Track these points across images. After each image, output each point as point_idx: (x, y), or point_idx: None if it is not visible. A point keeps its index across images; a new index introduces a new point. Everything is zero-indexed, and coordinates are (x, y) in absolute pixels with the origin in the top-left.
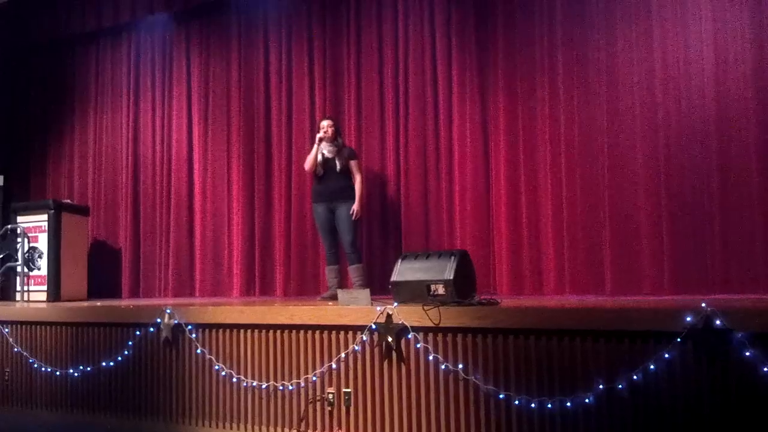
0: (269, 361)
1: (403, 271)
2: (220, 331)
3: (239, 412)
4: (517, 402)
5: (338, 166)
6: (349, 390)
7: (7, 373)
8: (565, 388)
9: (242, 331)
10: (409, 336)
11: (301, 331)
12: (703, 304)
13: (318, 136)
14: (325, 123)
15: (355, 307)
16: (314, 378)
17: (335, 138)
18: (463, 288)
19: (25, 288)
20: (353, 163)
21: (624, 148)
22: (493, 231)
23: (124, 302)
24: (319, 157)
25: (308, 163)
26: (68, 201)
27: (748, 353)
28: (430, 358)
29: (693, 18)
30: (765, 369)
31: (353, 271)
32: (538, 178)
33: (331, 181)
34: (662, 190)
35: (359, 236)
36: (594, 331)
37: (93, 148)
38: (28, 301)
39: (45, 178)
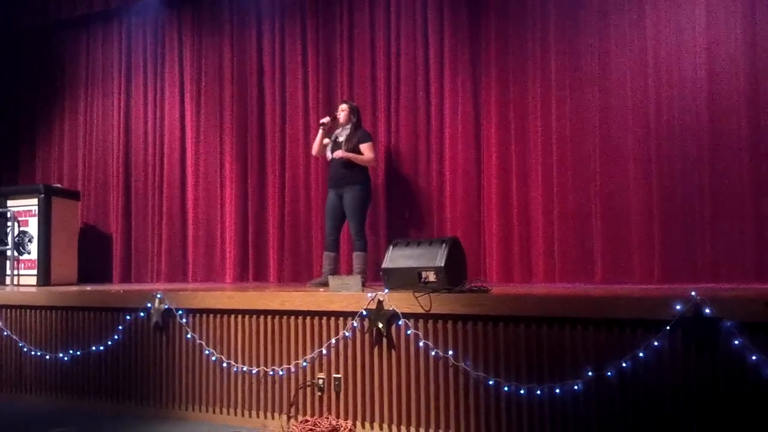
0: (260, 347)
1: (395, 258)
2: (211, 316)
3: (229, 397)
4: (506, 388)
5: (344, 150)
6: (339, 376)
7: None
8: (555, 375)
9: (233, 316)
10: (400, 322)
11: (292, 317)
12: (693, 293)
13: (321, 121)
14: (340, 106)
15: (346, 293)
16: (305, 363)
17: (348, 121)
18: (453, 275)
19: (15, 272)
20: (364, 146)
21: (615, 137)
22: (484, 218)
23: (115, 287)
24: (327, 141)
25: (313, 149)
26: (58, 185)
27: (736, 342)
28: (421, 344)
29: (686, 4)
30: (753, 357)
31: (355, 258)
32: (529, 165)
33: (337, 167)
34: (653, 180)
35: (366, 224)
36: (583, 319)
37: (84, 133)
38: (18, 285)
39: (34, 163)
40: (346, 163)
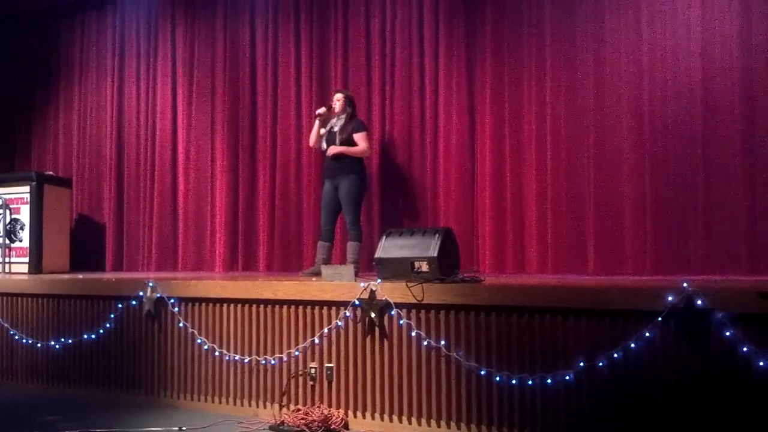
0: (252, 336)
1: (388, 248)
2: (203, 305)
3: (221, 385)
4: (498, 378)
5: (337, 141)
6: (331, 365)
7: None
8: (546, 365)
9: (225, 305)
10: (392, 312)
11: (285, 306)
12: (685, 284)
13: (317, 111)
14: (335, 96)
15: (339, 282)
16: (297, 353)
17: (343, 111)
18: (446, 265)
19: (7, 260)
20: (358, 136)
21: (609, 129)
22: (477, 209)
23: (107, 275)
24: (323, 131)
25: (311, 140)
26: (50, 173)
27: (728, 333)
28: (413, 334)
29: (682, 1)
30: (744, 349)
31: (349, 248)
32: (523, 156)
33: (331, 157)
34: (646, 172)
35: (360, 214)
36: (576, 310)
37: (77, 120)
38: (10, 273)
39: (30, 151)
40: (341, 154)
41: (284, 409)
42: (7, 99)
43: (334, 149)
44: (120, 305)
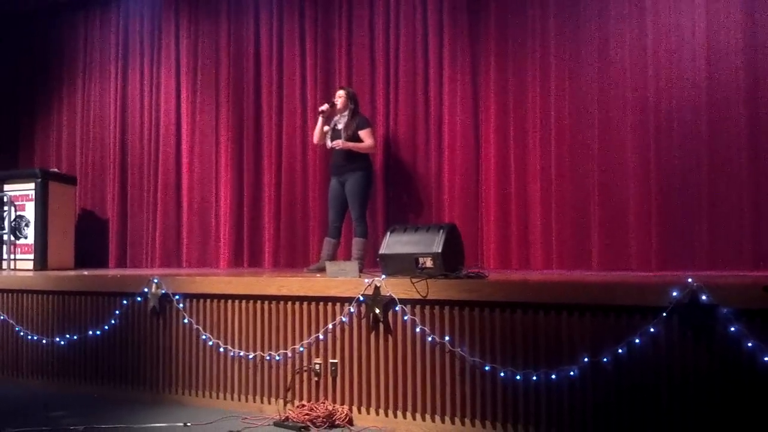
0: (256, 332)
1: (392, 244)
2: (208, 301)
3: (226, 381)
4: (502, 374)
5: (343, 138)
6: (336, 361)
7: None
8: (551, 361)
9: (230, 301)
10: (397, 308)
11: (289, 302)
12: (690, 280)
13: (320, 109)
14: (337, 93)
15: (344, 278)
16: (301, 349)
17: (345, 108)
18: (451, 261)
19: (12, 256)
20: (363, 133)
21: (614, 125)
22: (482, 205)
23: (111, 271)
24: (326, 128)
25: (314, 137)
26: (55, 170)
27: (733, 328)
28: (417, 330)
29: (687, 1)
30: (749, 344)
31: (355, 244)
32: (528, 153)
33: (338, 154)
34: (651, 167)
35: (366, 210)
36: (580, 305)
37: (81, 117)
38: (15, 269)
39: (33, 148)
40: (347, 151)
41: (289, 405)
42: (10, 96)
43: (339, 143)
44: (125, 301)
